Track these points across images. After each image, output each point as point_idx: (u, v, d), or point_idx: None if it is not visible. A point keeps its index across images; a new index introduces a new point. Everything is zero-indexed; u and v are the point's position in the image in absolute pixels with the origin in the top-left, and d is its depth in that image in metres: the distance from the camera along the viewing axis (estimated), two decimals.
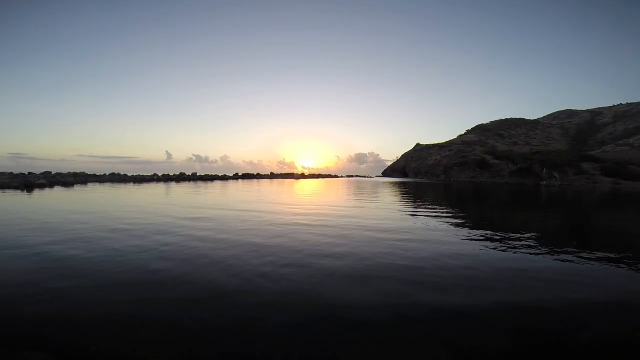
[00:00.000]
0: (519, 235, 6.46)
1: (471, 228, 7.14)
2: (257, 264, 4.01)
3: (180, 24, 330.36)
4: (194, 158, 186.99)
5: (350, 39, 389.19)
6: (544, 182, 49.07)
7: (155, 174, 37.68)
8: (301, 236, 5.86)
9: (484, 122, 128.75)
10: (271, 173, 65.19)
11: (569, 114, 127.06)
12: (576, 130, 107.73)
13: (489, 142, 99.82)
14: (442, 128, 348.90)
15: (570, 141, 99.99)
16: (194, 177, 41.38)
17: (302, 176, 69.37)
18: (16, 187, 17.56)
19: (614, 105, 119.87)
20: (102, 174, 39.22)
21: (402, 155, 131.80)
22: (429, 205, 12.67)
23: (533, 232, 6.85)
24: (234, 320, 2.55)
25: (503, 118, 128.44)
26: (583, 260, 4.56)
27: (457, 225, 7.63)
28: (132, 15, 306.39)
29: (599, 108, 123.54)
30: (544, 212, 11.94)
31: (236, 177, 49.72)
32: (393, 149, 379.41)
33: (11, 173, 28.40)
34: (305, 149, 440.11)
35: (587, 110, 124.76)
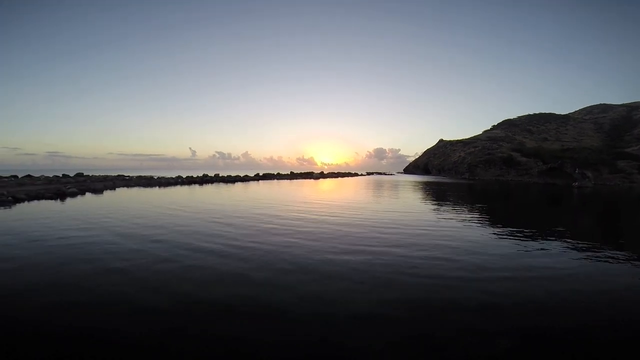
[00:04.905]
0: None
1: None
2: None
3: (211, 27, 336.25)
4: (217, 155, 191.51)
5: (372, 39, 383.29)
6: (577, 183, 46.69)
7: (179, 177, 38.45)
8: None
9: (511, 117, 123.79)
10: (291, 172, 65.27)
11: (603, 108, 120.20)
12: (611, 126, 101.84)
13: (516, 139, 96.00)
14: (466, 123, 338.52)
15: (605, 137, 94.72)
16: (216, 179, 42.02)
17: (322, 175, 68.97)
18: (50, 198, 18.22)
19: None
20: (129, 175, 40.57)
21: (424, 152, 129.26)
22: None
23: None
24: None
25: (532, 113, 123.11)
26: None
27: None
28: (166, 19, 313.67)
29: (635, 102, 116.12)
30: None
31: (257, 177, 50.04)
32: (414, 145, 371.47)
33: (46, 178, 29.73)
34: (324, 144, 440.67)
35: (623, 105, 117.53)
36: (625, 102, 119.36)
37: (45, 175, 33.77)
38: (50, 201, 16.91)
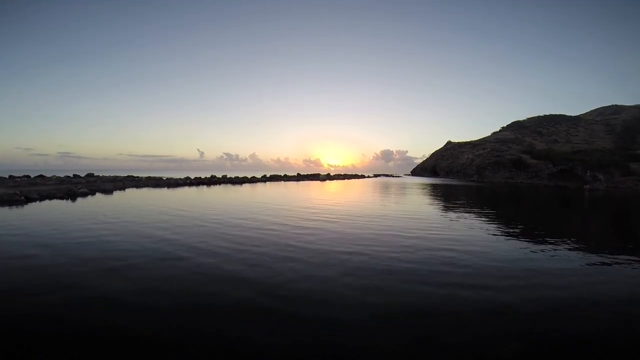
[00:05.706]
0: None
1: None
2: None
3: (220, 28, 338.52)
4: (225, 157, 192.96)
5: (379, 40, 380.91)
6: (588, 186, 45.92)
7: (187, 178, 38.79)
8: None
9: (521, 119, 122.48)
10: (298, 174, 65.30)
11: (615, 109, 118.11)
12: (623, 128, 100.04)
13: (526, 140, 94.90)
14: (474, 124, 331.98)
15: (617, 139, 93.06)
16: (224, 180, 42.27)
17: (328, 177, 68.93)
18: (61, 198, 18.53)
19: None
20: (138, 176, 41.07)
21: (432, 154, 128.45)
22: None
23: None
24: None
25: (541, 114, 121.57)
26: None
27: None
28: (175, 20, 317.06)
29: None
30: None
31: (264, 179, 50.25)
32: (421, 146, 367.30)
33: (57, 178, 30.25)
34: (331, 146, 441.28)
35: (635, 106, 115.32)
36: (638, 103, 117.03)
37: (57, 175, 34.34)
38: (61, 201, 17.23)
